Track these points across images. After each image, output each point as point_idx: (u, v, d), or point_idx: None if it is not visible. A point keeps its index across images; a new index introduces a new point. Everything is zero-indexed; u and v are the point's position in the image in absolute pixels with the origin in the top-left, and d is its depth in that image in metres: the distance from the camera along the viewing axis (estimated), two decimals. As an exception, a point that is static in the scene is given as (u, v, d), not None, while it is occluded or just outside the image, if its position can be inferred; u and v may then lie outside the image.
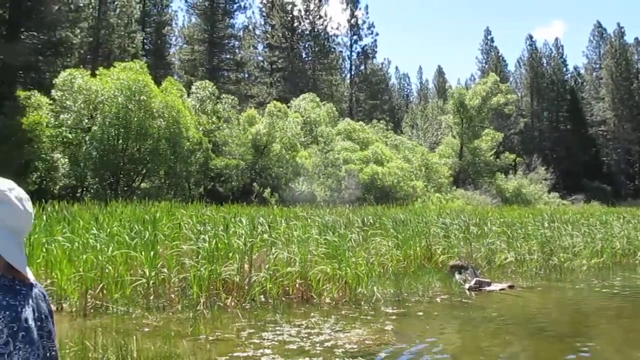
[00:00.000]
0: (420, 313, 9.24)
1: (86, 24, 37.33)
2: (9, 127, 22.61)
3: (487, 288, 11.29)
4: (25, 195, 1.51)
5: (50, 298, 9.17)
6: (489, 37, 75.28)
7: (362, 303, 9.59)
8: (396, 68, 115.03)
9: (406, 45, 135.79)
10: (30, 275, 1.51)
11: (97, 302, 8.84)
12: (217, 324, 8.14)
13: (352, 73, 68.66)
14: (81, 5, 34.40)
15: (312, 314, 8.77)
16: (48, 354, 1.48)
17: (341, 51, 66.88)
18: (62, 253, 9.72)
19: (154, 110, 23.15)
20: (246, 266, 9.80)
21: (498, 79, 51.73)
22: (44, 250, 9.89)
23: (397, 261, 12.50)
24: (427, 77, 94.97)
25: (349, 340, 7.24)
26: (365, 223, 15.39)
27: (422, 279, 11.41)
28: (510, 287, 11.56)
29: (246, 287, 9.54)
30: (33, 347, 1.40)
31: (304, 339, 7.28)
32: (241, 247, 10.17)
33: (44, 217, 12.13)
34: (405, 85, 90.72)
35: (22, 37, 32.88)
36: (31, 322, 1.42)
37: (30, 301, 1.45)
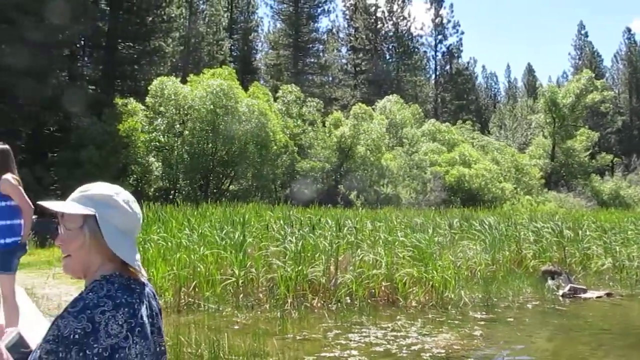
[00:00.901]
0: (510, 319, 8.95)
1: (177, 33, 38.95)
2: (108, 133, 23.97)
3: (583, 295, 10.77)
4: (131, 198, 1.62)
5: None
6: (582, 32, 71.78)
7: (449, 307, 9.40)
8: (483, 67, 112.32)
9: (493, 43, 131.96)
10: (144, 273, 1.62)
11: (190, 299, 9.20)
12: (304, 323, 8.25)
13: (437, 73, 67.63)
14: (173, 15, 35.91)
15: (398, 317, 8.70)
16: (158, 349, 1.57)
17: (425, 51, 66.11)
18: (157, 252, 10.20)
19: (241, 114, 23.82)
20: (332, 268, 9.87)
21: (593, 75, 49.15)
22: (141, 249, 10.42)
23: (486, 265, 12.16)
24: (515, 76, 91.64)
25: (436, 345, 7.13)
26: (452, 226, 15.09)
27: (512, 284, 11.04)
28: (608, 294, 10.96)
29: (332, 289, 9.61)
30: (147, 342, 1.49)
31: (391, 342, 7.24)
32: (327, 249, 10.26)
33: (145, 218, 12.77)
34: (493, 84, 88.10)
35: (120, 47, 34.82)
36: (145, 319, 1.51)
37: (144, 299, 1.54)
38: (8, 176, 4.91)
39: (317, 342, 7.22)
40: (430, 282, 9.78)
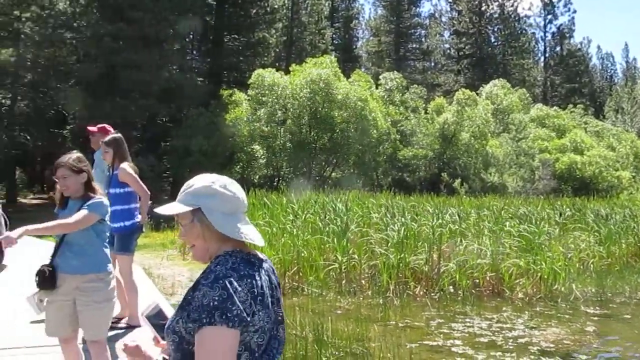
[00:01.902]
0: (627, 315, 8.43)
1: (280, 24, 39.71)
2: (215, 123, 24.98)
3: None
4: (228, 181, 1.76)
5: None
6: None
7: (559, 300, 9.00)
8: (598, 47, 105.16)
9: (609, 21, 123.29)
10: (260, 253, 1.80)
11: (294, 283, 9.45)
12: (406, 311, 8.22)
13: (547, 55, 64.29)
14: (276, 7, 36.65)
15: (503, 309, 8.45)
16: (278, 318, 1.75)
17: (534, 33, 62.92)
18: (263, 237, 10.52)
19: (341, 102, 23.96)
20: (435, 256, 9.74)
21: None
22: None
23: (600, 258, 11.50)
24: (634, 56, 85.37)
25: (544, 339, 6.87)
26: (563, 216, 14.38)
27: (630, 279, 10.37)
28: None
29: (435, 277, 9.50)
30: (267, 311, 1.66)
31: (496, 333, 7.06)
32: (430, 237, 10.14)
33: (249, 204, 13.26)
34: (609, 65, 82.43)
35: (226, 40, 36.08)
36: (266, 290, 1.67)
37: (263, 272, 1.70)
38: (125, 165, 5.25)
39: (419, 330, 7.18)
40: (539, 274, 9.40)
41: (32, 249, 8.34)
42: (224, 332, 1.53)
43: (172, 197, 1.86)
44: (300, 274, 9.56)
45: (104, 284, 3.44)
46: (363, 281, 9.61)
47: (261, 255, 1.78)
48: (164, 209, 1.74)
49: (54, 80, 30.76)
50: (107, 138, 5.36)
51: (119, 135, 5.48)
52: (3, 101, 32.15)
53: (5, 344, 4.64)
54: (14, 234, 3.18)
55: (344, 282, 9.49)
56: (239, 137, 24.51)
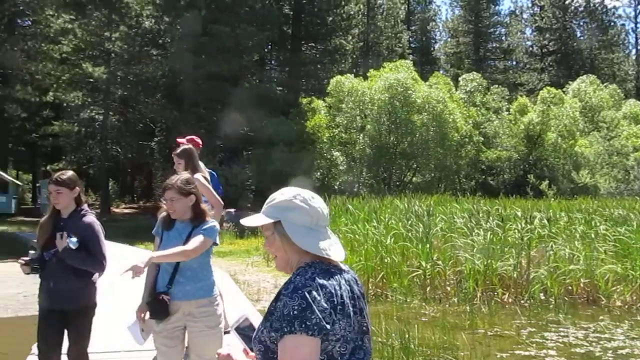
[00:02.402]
0: None
1: (357, 30, 39.79)
2: (295, 131, 25.31)
3: None
4: (309, 195, 1.79)
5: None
6: None
7: (663, 309, 8.42)
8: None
9: None
10: (340, 257, 1.78)
11: (378, 289, 9.37)
12: (494, 319, 7.95)
13: (638, 48, 60.76)
14: (352, 13, 36.76)
15: (600, 317, 8.01)
16: (363, 328, 1.75)
17: (623, 24, 59.61)
18: (345, 243, 10.54)
19: (418, 105, 23.64)
20: (523, 262, 9.38)
21: None
22: (330, 240, 10.84)
23: None
24: None
25: (648, 350, 6.43)
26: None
27: None
28: None
29: (524, 284, 9.14)
30: (349, 320, 1.67)
31: (593, 344, 6.69)
32: (517, 242, 9.77)
33: (329, 211, 13.33)
34: None
35: (303, 49, 36.55)
36: (346, 299, 1.68)
37: (343, 282, 1.72)
38: (198, 175, 5.31)
39: (509, 339, 6.91)
40: (638, 280, 8.83)
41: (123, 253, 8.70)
42: (305, 340, 1.57)
43: (255, 205, 1.91)
44: (384, 281, 9.46)
45: (215, 308, 3.39)
46: (448, 288, 9.39)
47: (343, 266, 1.80)
48: (249, 221, 1.80)
49: (142, 95, 32.24)
50: (178, 150, 5.43)
51: (190, 146, 5.57)
52: (96, 116, 34.05)
53: (106, 347, 4.86)
54: (141, 262, 3.12)
55: (428, 288, 9.32)
56: (319, 144, 24.72)
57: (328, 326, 1.60)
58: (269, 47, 37.26)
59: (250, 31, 29.75)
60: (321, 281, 1.65)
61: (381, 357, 5.74)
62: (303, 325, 1.57)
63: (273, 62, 40.53)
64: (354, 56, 40.95)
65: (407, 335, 6.13)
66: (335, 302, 1.64)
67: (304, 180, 24.96)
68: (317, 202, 1.78)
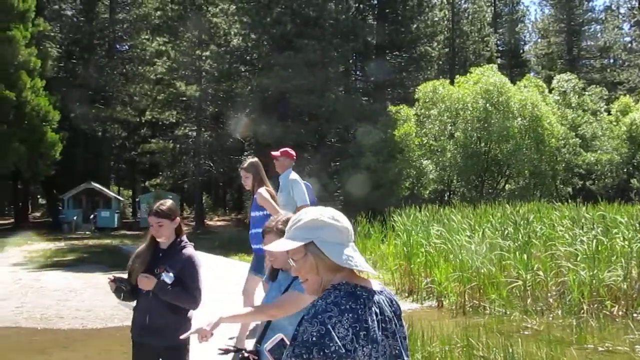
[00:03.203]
0: None
1: (442, 36, 39.13)
2: (384, 140, 25.16)
3: None
4: (335, 212, 1.79)
5: (430, 295, 9.78)
6: None
7: None
8: None
9: None
10: (375, 283, 1.77)
11: (475, 301, 9.04)
12: (604, 333, 7.44)
13: None
14: (436, 19, 36.20)
15: None
16: (394, 352, 1.70)
17: None
18: (438, 253, 10.28)
19: (513, 110, 22.81)
20: (634, 272, 8.75)
21: None
22: (423, 251, 10.62)
23: None
24: None
25: None
26: None
27: None
28: None
29: (635, 296, 8.52)
30: (375, 346, 1.63)
31: None
32: (626, 251, 9.13)
33: (420, 220, 13.09)
34: None
35: (388, 57, 36.37)
36: (372, 323, 1.64)
37: (372, 304, 1.68)
38: (262, 190, 5.45)
39: (624, 356, 6.44)
40: None
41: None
42: None
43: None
44: (481, 292, 9.13)
45: None
46: (551, 299, 8.90)
47: (375, 286, 1.77)
48: (275, 246, 1.79)
49: (231, 111, 33.26)
50: (245, 164, 5.57)
51: (256, 160, 5.71)
52: (190, 133, 35.49)
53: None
54: (208, 325, 2.65)
55: (529, 300, 8.87)
56: (407, 153, 24.42)
57: (348, 353, 1.57)
58: (354, 57, 37.36)
59: (335, 43, 30.00)
60: (343, 306, 1.63)
61: (484, 373, 5.50)
62: (321, 353, 1.55)
63: (358, 72, 40.62)
64: (440, 62, 40.29)
65: (510, 350, 5.84)
66: (359, 328, 1.61)
67: (393, 189, 24.79)
68: (343, 218, 1.79)
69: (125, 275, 3.45)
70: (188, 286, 3.37)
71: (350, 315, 1.61)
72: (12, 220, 38.73)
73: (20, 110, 30.02)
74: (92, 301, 11.49)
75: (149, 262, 3.42)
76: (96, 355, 8.09)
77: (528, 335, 7.27)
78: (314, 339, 1.56)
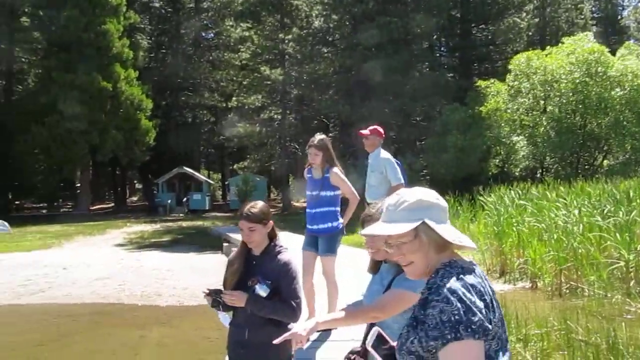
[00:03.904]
0: None
1: (531, 5, 37.36)
2: (471, 117, 24.45)
3: None
4: (433, 192, 1.78)
5: (523, 276, 9.45)
6: None
7: None
8: None
9: None
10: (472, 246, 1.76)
11: (572, 283, 8.63)
12: None
13: None
14: (528, -13, 34.58)
15: None
16: (503, 321, 1.68)
17: None
18: (531, 233, 9.87)
19: (612, 81, 21.41)
20: None
21: None
22: (514, 230, 10.25)
23: None
24: None
25: None
26: None
27: None
28: None
29: None
30: (497, 315, 1.63)
31: None
32: None
33: (510, 198, 12.63)
34: None
35: (473, 31, 35.21)
36: (491, 295, 1.64)
37: (483, 278, 1.68)
38: (336, 169, 5.24)
39: None
40: None
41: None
42: (472, 345, 1.52)
43: None
44: (578, 273, 8.69)
45: None
46: (657, 281, 8.34)
47: (473, 262, 1.74)
48: (384, 230, 1.73)
49: (315, 93, 33.44)
50: (316, 141, 5.26)
51: (326, 137, 5.41)
52: (275, 116, 36.05)
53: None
54: (304, 330, 2.38)
55: (632, 282, 8.35)
56: (497, 129, 23.58)
57: (490, 326, 1.56)
58: (438, 33, 36.43)
59: (419, 19, 29.36)
60: (470, 280, 1.61)
61: (584, 357, 5.23)
62: (469, 330, 1.51)
63: (443, 48, 39.62)
64: (529, 34, 38.49)
65: (613, 334, 5.52)
66: (487, 300, 1.60)
67: (481, 167, 24.06)
68: (444, 201, 1.77)
69: (221, 287, 3.10)
70: (286, 297, 2.98)
71: (477, 289, 1.60)
72: (112, 204, 41.09)
73: (116, 100, 31.63)
74: (188, 280, 12.01)
75: (242, 272, 3.07)
76: (192, 331, 8.45)
77: (632, 320, 6.84)
78: (456, 317, 1.53)
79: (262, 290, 2.93)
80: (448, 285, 1.59)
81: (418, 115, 32.38)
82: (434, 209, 1.72)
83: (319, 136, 5.33)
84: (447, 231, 1.69)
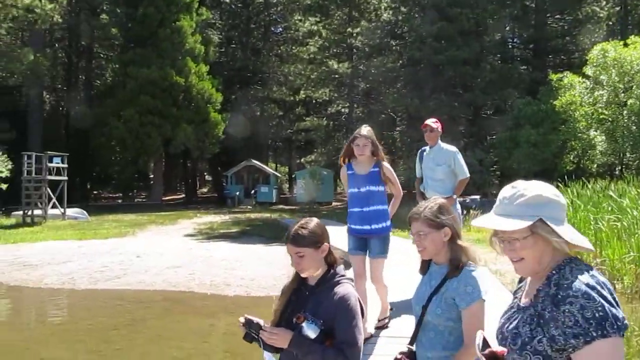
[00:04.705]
0: None
1: (613, -6, 35.59)
2: (544, 111, 23.57)
3: None
4: (554, 188, 1.70)
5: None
6: None
7: None
8: None
9: None
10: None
11: (653, 285, 8.17)
12: None
13: None
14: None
15: None
16: None
17: None
18: (611, 232, 9.41)
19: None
20: None
21: None
22: (591, 229, 9.81)
23: None
24: None
25: None
26: None
27: None
28: None
29: None
30: None
31: None
32: None
33: (587, 196, 12.10)
34: None
35: (548, 22, 33.89)
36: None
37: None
38: (387, 164, 4.93)
39: None
40: None
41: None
42: (618, 342, 1.48)
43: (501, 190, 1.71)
44: (663, 275, 8.21)
45: None
46: None
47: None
48: (497, 223, 1.64)
49: (383, 86, 33.19)
50: (365, 131, 4.97)
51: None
52: (342, 110, 36.05)
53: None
54: None
55: None
56: (572, 124, 22.59)
57: (628, 323, 1.51)
58: (511, 24, 35.30)
59: (491, 9, 28.56)
60: (600, 277, 1.55)
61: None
62: (615, 327, 1.46)
63: (515, 39, 38.39)
64: (610, 23, 36.66)
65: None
66: (616, 297, 1.53)
67: (555, 163, 23.16)
68: (561, 194, 1.70)
69: (260, 320, 2.46)
70: (340, 341, 2.34)
71: (608, 286, 1.55)
72: (183, 195, 42.32)
73: (188, 94, 32.48)
74: (256, 270, 12.20)
75: (292, 305, 2.50)
76: (259, 322, 8.55)
77: None
78: (601, 314, 1.47)
79: (310, 331, 2.35)
80: (584, 281, 1.53)
81: (489, 108, 31.56)
82: (553, 205, 1.64)
83: (365, 127, 5.07)
84: (566, 231, 1.62)
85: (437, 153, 6.15)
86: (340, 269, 2.53)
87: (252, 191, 35.66)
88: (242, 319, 2.45)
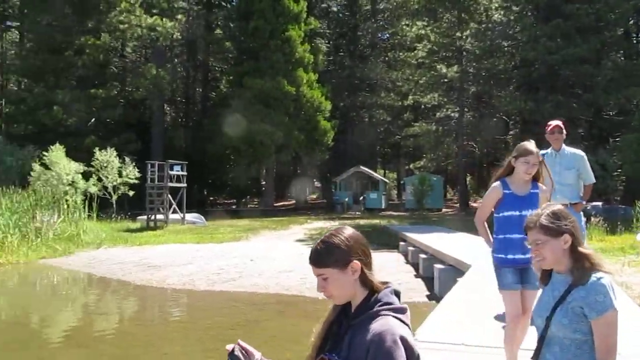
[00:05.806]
0: None
1: None
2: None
3: None
4: None
5: None
6: None
7: None
8: None
9: None
10: None
11: None
12: None
13: None
14: None
15: None
16: None
17: None
18: None
19: None
20: None
21: None
22: None
23: None
24: None
25: None
26: None
27: None
28: None
29: None
30: None
31: None
32: None
33: None
34: None
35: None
36: None
37: None
38: (542, 185, 4.28)
39: None
40: None
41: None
42: None
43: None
44: None
45: None
46: None
47: None
48: None
49: (494, 89, 32.17)
50: (536, 150, 4.23)
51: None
52: (452, 114, 35.32)
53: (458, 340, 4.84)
54: None
55: None
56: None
57: None
58: (635, 17, 32.91)
59: (612, 3, 26.81)
60: None
61: None
62: None
63: (641, 34, 35.76)
64: None
65: None
66: None
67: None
68: None
69: (254, 351, 2.09)
70: None
71: None
72: (294, 201, 43.31)
73: (298, 103, 33.26)
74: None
75: (335, 337, 1.95)
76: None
77: None
78: None
79: None
80: None
81: (611, 109, 29.60)
82: None
83: (532, 142, 4.32)
84: None
85: (564, 157, 5.84)
86: (385, 294, 1.90)
87: (361, 197, 35.79)
88: (229, 347, 2.06)
